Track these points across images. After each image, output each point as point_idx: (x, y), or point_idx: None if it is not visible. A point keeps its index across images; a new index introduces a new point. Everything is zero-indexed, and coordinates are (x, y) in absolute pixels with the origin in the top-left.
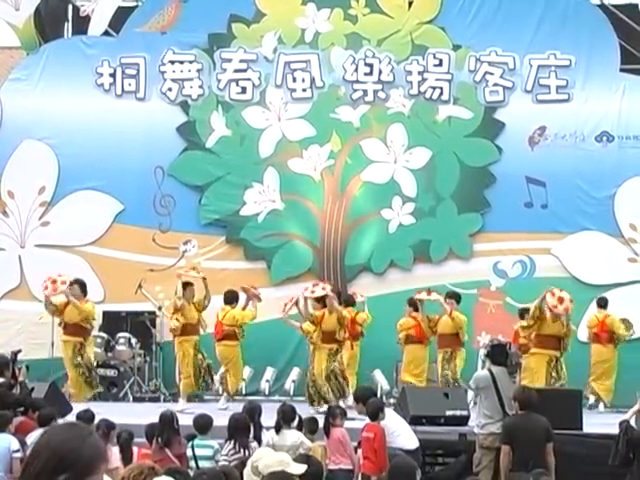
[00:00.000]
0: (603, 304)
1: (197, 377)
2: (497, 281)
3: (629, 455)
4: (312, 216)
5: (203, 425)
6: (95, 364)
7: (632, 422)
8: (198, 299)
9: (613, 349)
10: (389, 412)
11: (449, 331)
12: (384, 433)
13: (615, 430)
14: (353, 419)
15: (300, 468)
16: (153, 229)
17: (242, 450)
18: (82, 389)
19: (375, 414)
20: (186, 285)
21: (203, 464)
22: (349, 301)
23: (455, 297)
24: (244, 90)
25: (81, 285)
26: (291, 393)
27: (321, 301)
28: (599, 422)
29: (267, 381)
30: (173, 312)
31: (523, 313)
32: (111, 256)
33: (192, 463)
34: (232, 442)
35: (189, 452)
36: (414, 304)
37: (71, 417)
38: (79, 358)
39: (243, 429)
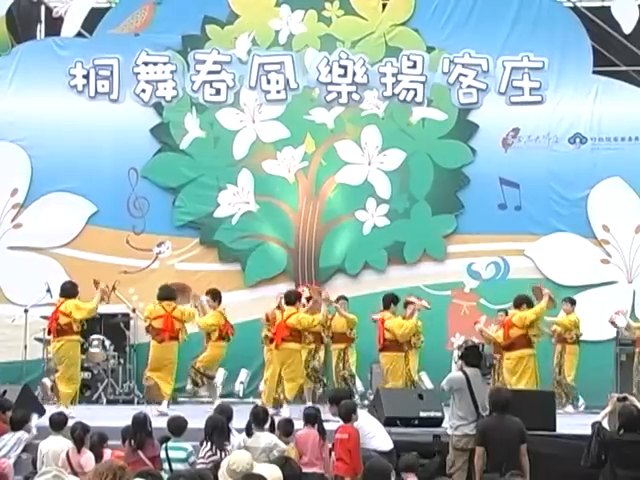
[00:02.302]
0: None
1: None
2: (471, 282)
3: (601, 456)
4: (286, 218)
5: (177, 427)
6: None
7: (604, 423)
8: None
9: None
10: (363, 413)
11: (341, 329)
12: (358, 434)
13: (588, 431)
14: (327, 421)
15: None
16: (127, 231)
17: (218, 452)
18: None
19: (348, 416)
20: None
21: (177, 466)
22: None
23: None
24: (218, 92)
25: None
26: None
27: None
28: (573, 423)
29: (241, 383)
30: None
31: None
32: (84, 258)
33: (165, 465)
34: (209, 444)
35: (162, 454)
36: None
37: (44, 420)
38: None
39: (221, 430)
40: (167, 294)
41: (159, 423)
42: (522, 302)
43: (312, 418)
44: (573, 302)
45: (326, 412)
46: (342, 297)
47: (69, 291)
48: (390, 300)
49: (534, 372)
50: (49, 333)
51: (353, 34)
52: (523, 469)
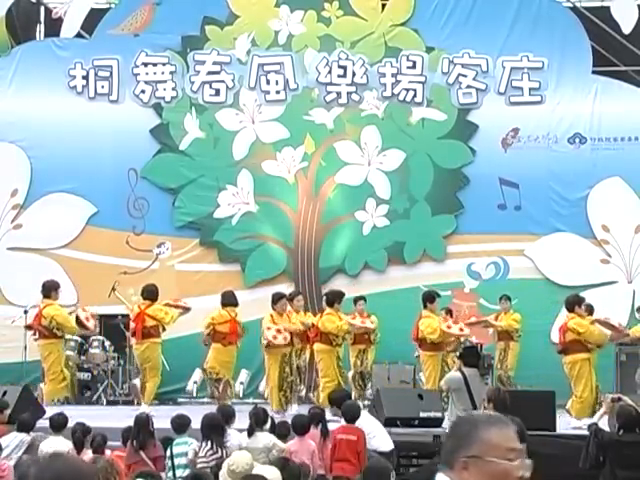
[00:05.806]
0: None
1: None
2: (471, 282)
3: (599, 457)
4: (286, 218)
5: (181, 425)
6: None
7: (601, 424)
8: None
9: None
10: (363, 414)
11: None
12: (365, 435)
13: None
14: (327, 421)
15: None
16: (127, 232)
17: (219, 450)
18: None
19: (353, 417)
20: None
21: (180, 461)
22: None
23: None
24: (217, 92)
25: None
26: (265, 396)
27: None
28: (573, 423)
29: (241, 383)
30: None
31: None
32: (84, 259)
33: (168, 462)
34: (209, 442)
35: (168, 452)
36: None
37: (44, 421)
38: None
39: (218, 428)
40: (230, 300)
41: (161, 424)
42: (574, 304)
43: (317, 418)
44: (510, 299)
45: None
46: (361, 297)
47: (152, 294)
48: (427, 298)
49: (590, 377)
50: (133, 335)
51: (352, 34)
52: None
